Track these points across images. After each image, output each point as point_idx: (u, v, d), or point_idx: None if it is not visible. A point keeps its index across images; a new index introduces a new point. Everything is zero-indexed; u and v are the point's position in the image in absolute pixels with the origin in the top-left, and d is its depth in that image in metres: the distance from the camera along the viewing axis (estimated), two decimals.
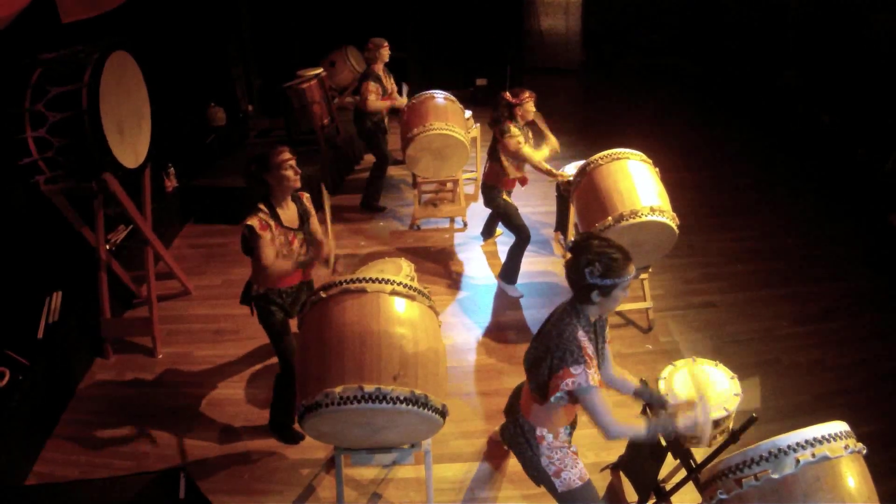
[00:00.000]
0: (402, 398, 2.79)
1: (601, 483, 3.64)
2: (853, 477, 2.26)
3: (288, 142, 7.25)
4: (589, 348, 2.49)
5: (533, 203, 6.62)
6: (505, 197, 5.07)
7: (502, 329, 4.96)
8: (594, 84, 10.31)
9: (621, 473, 3.63)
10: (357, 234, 6.33)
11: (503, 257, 5.57)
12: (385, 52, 6.32)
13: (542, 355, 2.59)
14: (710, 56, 9.41)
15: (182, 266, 5.68)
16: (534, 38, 10.22)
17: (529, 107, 4.80)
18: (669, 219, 4.16)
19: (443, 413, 2.98)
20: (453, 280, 5.60)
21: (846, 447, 2.29)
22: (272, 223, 3.48)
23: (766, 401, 4.12)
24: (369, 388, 2.76)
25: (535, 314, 5.04)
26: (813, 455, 2.24)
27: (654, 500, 3.30)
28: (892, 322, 4.86)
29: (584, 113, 8.84)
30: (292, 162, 3.51)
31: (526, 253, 5.28)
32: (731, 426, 3.17)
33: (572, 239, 4.58)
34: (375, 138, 6.49)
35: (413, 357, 2.90)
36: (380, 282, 3.06)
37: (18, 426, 3.92)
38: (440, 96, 5.93)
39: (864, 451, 2.34)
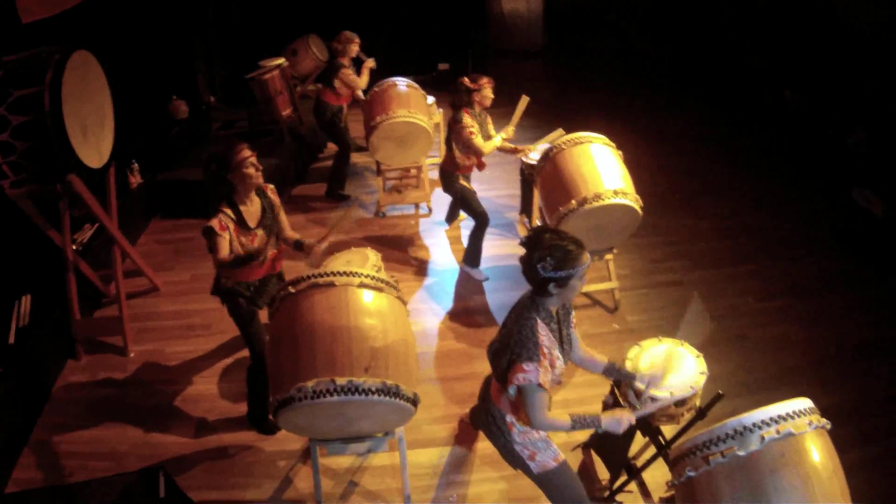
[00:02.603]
0: (374, 389, 2.85)
1: (573, 461, 3.74)
2: (818, 452, 2.31)
3: (250, 133, 7.23)
4: (545, 343, 2.56)
5: (498, 186, 6.69)
6: (462, 182, 5.11)
7: (470, 313, 5.03)
8: (558, 67, 10.33)
9: (593, 452, 3.74)
10: (321, 224, 6.33)
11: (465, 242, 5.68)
12: (354, 48, 6.29)
13: (502, 349, 2.68)
14: (675, 38, 9.48)
15: (150, 262, 5.64)
16: (496, 20, 10.20)
17: (488, 92, 4.83)
18: (633, 201, 4.26)
19: (414, 401, 3.04)
20: (420, 266, 5.65)
21: (810, 423, 2.35)
22: (232, 226, 3.47)
23: (733, 376, 4.25)
24: (341, 380, 2.82)
25: (500, 297, 5.12)
26: (777, 432, 2.30)
27: (624, 478, 3.42)
28: (856, 297, 5.02)
29: (547, 96, 8.85)
30: (253, 159, 3.48)
31: (491, 236, 5.36)
32: (698, 403, 3.26)
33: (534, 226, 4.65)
34: (335, 128, 6.47)
35: (383, 348, 2.96)
36: (347, 275, 3.10)
37: None
38: (402, 83, 5.93)
39: (829, 427, 2.40)
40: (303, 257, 3.75)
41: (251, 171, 3.47)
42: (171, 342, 4.92)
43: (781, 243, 5.63)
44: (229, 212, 3.48)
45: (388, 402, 2.90)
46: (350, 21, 6.51)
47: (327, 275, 3.09)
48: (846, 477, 2.28)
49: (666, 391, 3.07)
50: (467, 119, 4.81)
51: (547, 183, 4.55)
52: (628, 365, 3.24)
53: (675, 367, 3.22)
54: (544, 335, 2.56)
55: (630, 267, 5.38)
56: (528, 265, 2.54)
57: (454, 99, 4.87)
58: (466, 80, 4.82)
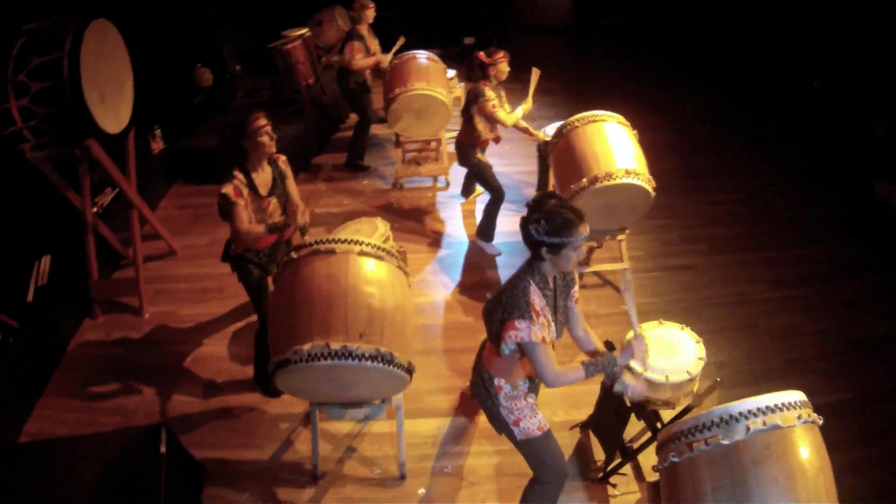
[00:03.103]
0: (367, 355, 2.88)
1: (570, 441, 3.77)
2: (805, 447, 2.25)
3: (273, 102, 7.29)
4: (537, 304, 2.55)
5: (517, 162, 6.65)
6: (479, 155, 5.10)
7: (480, 287, 5.04)
8: (584, 45, 10.16)
9: (590, 432, 3.75)
10: (340, 193, 6.39)
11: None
12: (370, 13, 6.27)
13: (496, 308, 2.68)
14: (701, 19, 9.23)
15: (168, 227, 5.75)
16: None
17: (503, 67, 4.81)
18: (645, 181, 4.20)
19: (409, 370, 3.07)
20: (433, 239, 5.67)
21: (799, 417, 2.28)
22: (245, 191, 3.54)
23: (738, 364, 4.22)
24: (336, 345, 2.86)
25: (512, 273, 5.08)
26: (764, 423, 2.25)
27: (619, 460, 3.43)
28: (869, 290, 4.92)
29: (570, 73, 8.74)
30: (268, 128, 3.55)
31: (506, 212, 5.35)
32: (695, 389, 3.25)
33: None
34: (358, 98, 6.48)
35: (380, 315, 2.99)
36: (349, 242, 3.12)
37: (10, 387, 4.06)
38: (423, 56, 5.90)
39: (820, 422, 2.34)
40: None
41: (265, 139, 3.54)
42: (185, 304, 5.03)
43: (798, 232, 5.52)
44: (242, 177, 3.55)
45: (382, 369, 2.93)
46: None
47: (329, 241, 3.12)
48: (849, 474, 2.23)
49: (661, 374, 3.07)
50: (489, 92, 4.81)
51: (560, 160, 4.51)
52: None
53: (673, 351, 3.21)
54: (536, 297, 2.56)
55: (643, 249, 5.33)
56: (524, 226, 2.56)
57: (470, 73, 4.86)
58: (482, 53, 4.79)
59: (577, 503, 3.46)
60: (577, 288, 2.88)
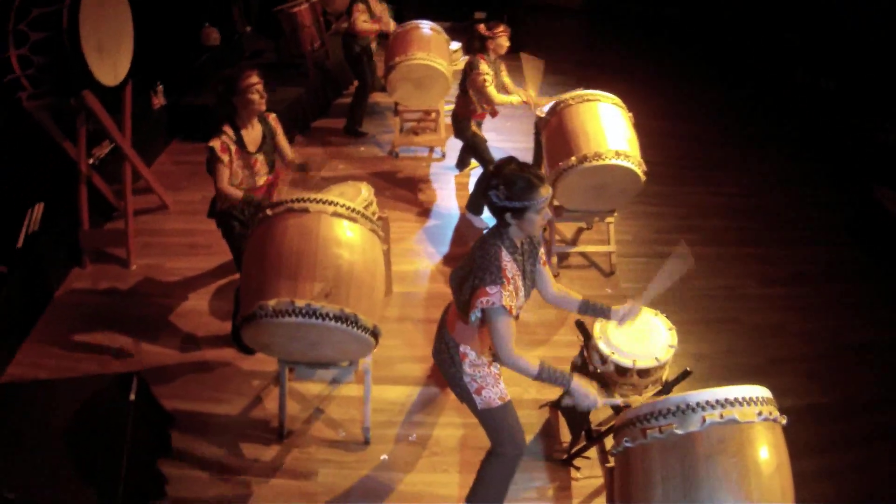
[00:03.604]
0: (331, 315, 2.89)
1: (538, 419, 3.77)
2: (763, 445, 2.17)
3: (277, 64, 7.28)
4: (509, 270, 2.52)
5: (515, 139, 6.61)
6: (474, 128, 5.07)
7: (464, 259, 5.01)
8: (594, 26, 10.00)
9: (559, 413, 3.74)
10: (336, 157, 6.39)
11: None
12: None
13: (466, 275, 2.65)
14: (715, 10, 9.05)
15: (164, 182, 5.78)
16: None
17: (503, 41, 4.77)
18: (635, 164, 4.16)
19: (374, 333, 3.07)
20: (423, 208, 5.66)
21: (759, 413, 2.19)
22: (233, 147, 3.58)
23: (718, 358, 4.18)
24: (300, 303, 2.86)
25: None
26: (721, 416, 2.17)
27: (584, 442, 3.42)
28: (861, 293, 4.86)
29: (579, 54, 8.65)
30: (259, 86, 3.59)
31: None
32: (664, 377, 3.21)
33: None
34: (360, 63, 6.44)
35: (347, 277, 2.99)
36: (323, 202, 3.12)
37: None
38: (426, 26, 5.87)
39: (783, 421, 2.26)
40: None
41: (255, 97, 3.58)
42: (172, 258, 5.06)
43: (792, 229, 5.45)
44: (231, 133, 3.58)
45: (345, 329, 2.93)
46: None
47: (303, 200, 3.12)
48: (824, 480, 2.13)
49: (629, 358, 3.04)
50: (483, 66, 4.76)
51: (551, 137, 4.48)
52: (597, 327, 3.22)
53: (644, 336, 3.18)
54: (508, 262, 2.53)
55: (634, 234, 5.29)
56: (485, 193, 2.53)
57: (469, 45, 4.81)
58: (482, 26, 4.74)
59: (538, 483, 3.46)
60: (542, 250, 2.85)
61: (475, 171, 6.05)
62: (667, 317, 3.25)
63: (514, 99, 4.80)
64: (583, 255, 5.02)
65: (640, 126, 6.54)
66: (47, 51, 3.99)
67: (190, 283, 4.81)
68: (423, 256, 5.04)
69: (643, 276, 4.83)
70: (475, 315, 2.56)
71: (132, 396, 3.34)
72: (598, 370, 3.15)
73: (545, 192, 2.46)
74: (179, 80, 6.76)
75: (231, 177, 3.64)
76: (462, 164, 6.06)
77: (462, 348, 2.79)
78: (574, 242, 5.07)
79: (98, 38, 4.30)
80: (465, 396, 2.89)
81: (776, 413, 2.25)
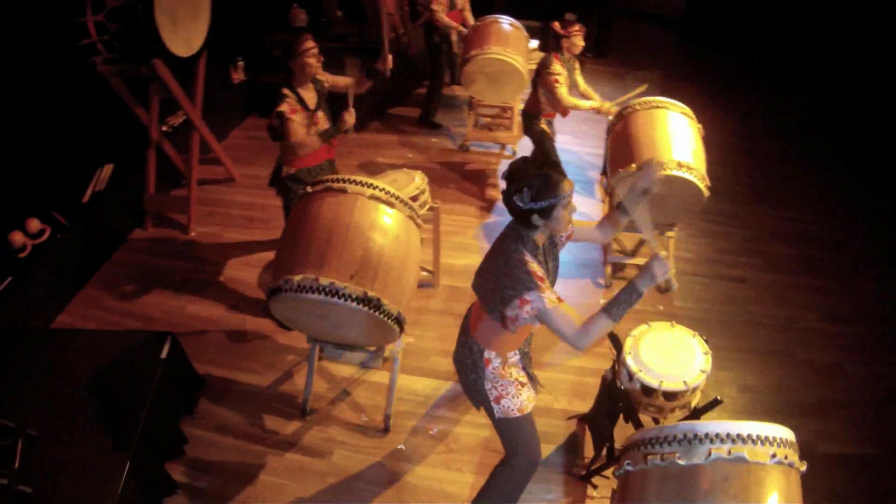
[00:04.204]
0: (353, 296, 2.86)
1: (564, 431, 3.64)
2: (775, 491, 2.00)
3: (359, 49, 7.36)
4: (539, 271, 2.42)
5: (590, 143, 6.41)
6: (543, 126, 4.94)
7: None
8: (689, 37, 9.53)
9: (587, 426, 3.59)
10: (406, 147, 6.39)
11: None
12: None
13: (492, 285, 2.53)
14: (816, 28, 8.44)
15: (234, 155, 5.94)
16: None
17: (577, 40, 4.62)
18: (698, 178, 3.94)
19: (398, 320, 3.02)
20: (485, 204, 5.56)
21: (773, 455, 2.01)
22: (298, 107, 3.72)
23: (762, 392, 3.90)
24: (324, 281, 2.85)
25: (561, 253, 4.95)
26: (729, 452, 2.01)
27: (604, 462, 3.27)
28: None
29: (668, 65, 8.29)
30: (315, 50, 3.74)
31: None
32: (693, 403, 3.02)
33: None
34: (438, 54, 6.40)
35: (376, 261, 2.95)
36: (361, 184, 3.10)
37: (51, 279, 4.34)
38: (506, 21, 5.77)
39: (802, 469, 2.07)
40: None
41: (312, 60, 3.74)
42: (230, 229, 5.20)
43: (867, 266, 4.99)
44: (292, 95, 3.68)
45: (367, 313, 2.90)
46: None
47: (342, 181, 3.11)
48: None
49: (656, 379, 2.87)
50: (556, 66, 4.64)
51: (615, 142, 4.32)
52: (629, 342, 3.05)
53: (678, 357, 2.99)
54: (534, 263, 2.43)
55: (697, 252, 5.02)
56: (507, 198, 2.42)
57: (545, 42, 4.71)
58: (557, 24, 4.61)
59: (553, 495, 3.33)
60: (564, 235, 2.72)
61: None
62: (706, 340, 3.04)
63: (584, 105, 4.62)
64: (639, 268, 4.81)
65: (717, 142, 6.29)
66: (122, 19, 4.17)
67: (243, 254, 4.92)
68: (476, 252, 4.95)
69: (699, 298, 4.59)
70: (522, 321, 2.44)
71: (163, 354, 3.44)
72: (624, 387, 3.00)
73: (568, 185, 2.36)
74: (261, 58, 6.91)
75: (293, 132, 3.73)
76: None
77: (486, 353, 2.71)
78: (633, 254, 4.87)
79: (173, 10, 4.45)
80: (483, 402, 2.80)
81: (794, 458, 2.06)
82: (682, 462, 2.05)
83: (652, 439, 2.18)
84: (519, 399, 2.74)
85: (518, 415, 2.74)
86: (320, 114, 3.87)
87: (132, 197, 5.09)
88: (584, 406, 3.67)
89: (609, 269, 4.68)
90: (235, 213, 5.40)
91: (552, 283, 2.63)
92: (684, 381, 2.85)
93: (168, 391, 3.43)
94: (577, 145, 6.37)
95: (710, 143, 6.25)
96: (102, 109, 5.00)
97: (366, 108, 6.89)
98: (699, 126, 4.27)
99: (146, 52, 4.39)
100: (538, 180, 2.33)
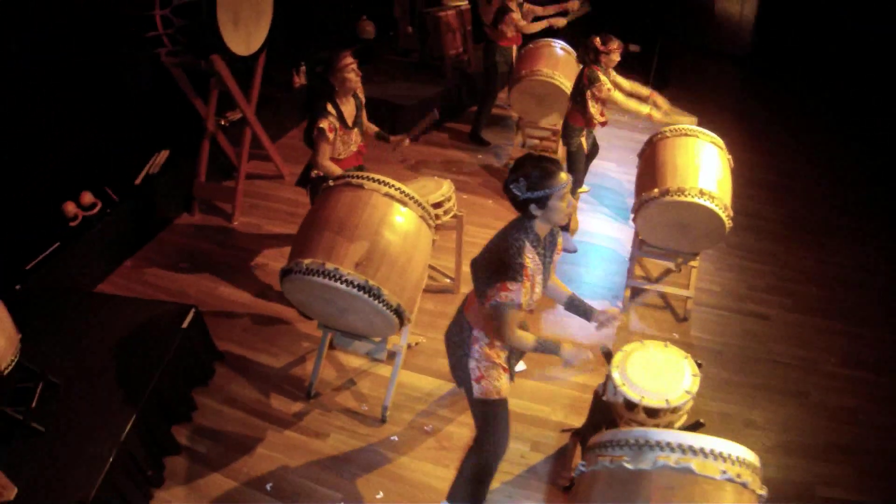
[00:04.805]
0: (355, 283, 3.02)
1: (556, 443, 3.67)
2: None
3: (419, 64, 7.62)
4: (531, 267, 2.56)
5: (631, 171, 6.33)
6: (582, 139, 5.01)
7: None
8: (752, 76, 9.30)
9: (579, 442, 3.62)
10: (451, 161, 6.56)
11: (582, 215, 5.62)
12: None
13: (488, 265, 2.65)
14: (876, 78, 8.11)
15: (287, 154, 6.24)
16: (699, 14, 9.34)
17: (615, 56, 4.70)
18: (719, 208, 3.94)
19: (398, 312, 3.16)
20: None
21: (724, 472, 1.97)
22: (338, 125, 3.87)
23: (769, 429, 3.82)
24: (330, 266, 3.03)
25: (572, 272, 5.00)
26: (676, 462, 1.98)
27: None
28: None
29: (732, 104, 8.20)
30: (354, 66, 3.85)
31: (602, 214, 5.44)
32: (676, 423, 3.02)
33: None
34: (494, 72, 6.50)
35: (382, 253, 3.12)
36: (379, 182, 3.28)
37: (96, 249, 4.69)
38: (558, 45, 5.92)
39: (761, 493, 2.02)
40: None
41: (351, 76, 3.85)
42: (272, 222, 5.48)
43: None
44: (334, 112, 3.85)
45: (368, 301, 3.06)
46: None
47: (362, 178, 3.30)
48: None
49: (638, 393, 2.91)
50: (604, 77, 4.71)
51: (642, 167, 4.37)
52: (619, 356, 3.09)
53: (666, 376, 2.98)
54: (530, 258, 2.57)
55: (724, 286, 4.96)
56: (506, 189, 2.55)
57: (584, 56, 4.80)
58: (597, 40, 4.70)
59: (533, 503, 3.38)
60: (561, 238, 2.86)
61: (584, 195, 5.96)
62: (698, 364, 3.05)
63: (644, 109, 4.67)
64: (661, 295, 4.81)
65: (764, 180, 6.23)
66: (187, 14, 4.49)
67: (279, 246, 5.18)
68: None
69: (717, 331, 4.52)
70: (491, 304, 2.58)
71: (184, 325, 3.68)
72: (609, 400, 3.04)
73: (564, 177, 2.47)
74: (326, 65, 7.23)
75: (332, 152, 3.91)
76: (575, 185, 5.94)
77: (476, 332, 2.81)
78: (656, 281, 4.86)
79: (236, 11, 4.78)
80: (464, 380, 2.88)
81: (749, 479, 2.01)
82: (629, 466, 2.05)
83: (607, 442, 2.20)
84: (499, 382, 2.83)
85: (496, 397, 2.83)
86: (355, 131, 4.00)
87: (184, 183, 5.43)
88: (580, 421, 3.69)
89: (628, 293, 4.68)
90: (278, 207, 5.67)
91: (545, 279, 2.75)
92: (666, 400, 2.86)
93: (184, 359, 3.67)
94: (620, 173, 6.38)
95: (756, 180, 6.26)
96: (165, 99, 5.39)
97: (417, 118, 7.12)
98: (729, 157, 4.28)
99: (206, 48, 4.71)
100: (535, 171, 2.45)
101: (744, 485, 1.99)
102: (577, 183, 5.22)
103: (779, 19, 8.22)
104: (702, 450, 2.00)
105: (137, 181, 5.08)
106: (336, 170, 3.87)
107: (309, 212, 3.46)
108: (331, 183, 3.42)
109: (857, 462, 3.67)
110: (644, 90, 4.86)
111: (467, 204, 5.81)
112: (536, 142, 6.87)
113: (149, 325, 3.70)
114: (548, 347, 2.68)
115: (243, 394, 3.87)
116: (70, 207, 4.55)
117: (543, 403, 3.91)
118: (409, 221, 3.29)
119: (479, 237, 5.22)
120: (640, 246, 4.52)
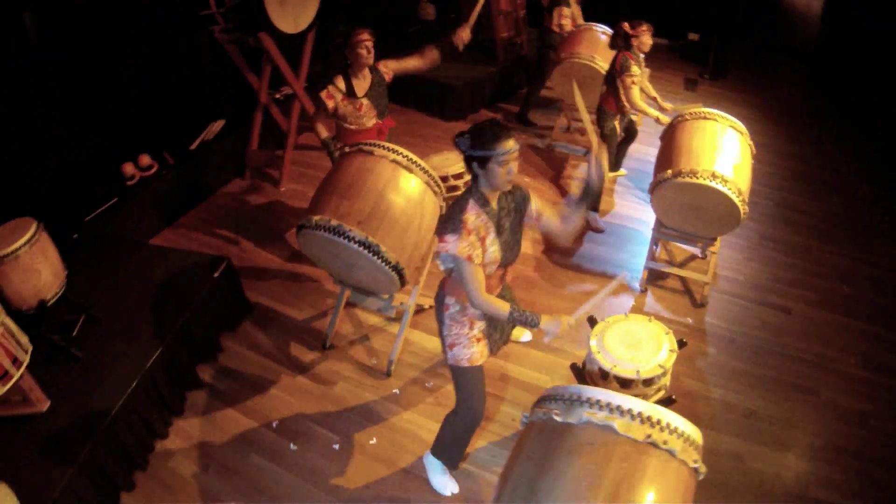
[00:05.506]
0: (356, 239, 3.28)
1: None
2: (643, 471, 1.97)
3: (471, 45, 7.75)
4: (471, 222, 2.60)
5: None
6: (615, 124, 5.08)
7: (565, 253, 5.07)
8: (816, 71, 8.93)
9: None
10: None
11: (616, 197, 5.72)
12: None
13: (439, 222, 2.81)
14: None
15: (333, 127, 6.53)
16: (766, 4, 8.97)
17: (646, 39, 4.74)
18: (732, 192, 3.94)
19: (396, 269, 3.38)
20: (551, 199, 5.75)
21: (648, 436, 1.99)
22: (339, 96, 4.11)
23: (771, 423, 3.77)
24: (334, 222, 3.31)
25: (598, 251, 5.09)
26: (601, 420, 2.04)
27: None
28: None
29: (791, 102, 7.95)
30: (368, 43, 4.08)
31: (632, 197, 5.52)
32: (651, 400, 3.04)
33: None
34: (546, 57, 6.63)
35: (383, 213, 3.36)
36: (388, 150, 3.52)
37: (150, 208, 5.17)
38: (601, 30, 5.95)
39: (693, 467, 2.02)
40: None
41: (363, 52, 4.08)
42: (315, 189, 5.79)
43: None
44: (341, 84, 4.12)
45: (368, 256, 3.30)
46: None
47: (373, 145, 3.55)
48: None
49: (610, 363, 2.98)
50: (635, 68, 4.78)
51: (661, 149, 4.42)
52: (600, 326, 3.20)
53: (642, 348, 3.06)
54: (472, 214, 2.62)
55: (749, 276, 4.92)
56: (454, 140, 2.64)
57: (615, 41, 4.87)
58: (626, 24, 4.75)
59: None
60: (534, 205, 2.87)
61: (621, 178, 6.01)
62: (681, 342, 3.11)
63: (651, 112, 4.74)
64: (682, 280, 4.84)
65: (810, 175, 6.09)
66: None
67: None
68: (527, 241, 5.17)
69: (734, 319, 4.49)
70: (442, 263, 2.73)
71: (216, 274, 4.04)
72: (587, 369, 3.17)
73: (508, 144, 2.51)
74: (385, 46, 7.50)
75: (341, 116, 4.20)
76: (613, 166, 5.99)
77: (447, 299, 2.91)
78: (680, 266, 4.89)
79: None
80: (442, 346, 3.03)
81: (678, 448, 2.01)
82: (558, 419, 2.13)
83: (548, 396, 2.30)
84: (469, 350, 2.89)
85: (466, 365, 2.90)
86: (365, 102, 4.18)
87: (236, 150, 5.84)
88: None
89: (646, 275, 4.73)
90: (323, 175, 5.98)
91: (513, 244, 2.82)
92: (637, 371, 2.95)
93: (214, 306, 4.04)
94: (652, 153, 6.37)
95: (801, 174, 6.13)
96: (222, 73, 5.80)
97: (476, 96, 7.32)
98: (751, 144, 4.27)
99: (254, 25, 5.05)
100: (481, 131, 2.54)
101: (671, 452, 2.01)
102: (612, 165, 5.28)
103: (846, 14, 7.87)
104: (630, 411, 2.05)
105: (192, 146, 5.51)
106: (321, 132, 4.21)
107: (326, 174, 3.73)
108: (346, 149, 3.68)
109: (858, 467, 3.56)
110: (652, 92, 4.96)
111: None
112: (580, 124, 6.92)
113: (184, 273, 4.08)
114: (524, 319, 2.68)
115: (266, 341, 4.22)
116: (129, 168, 5.02)
117: (543, 372, 4.04)
118: (414, 187, 3.51)
119: None
120: (659, 228, 4.56)
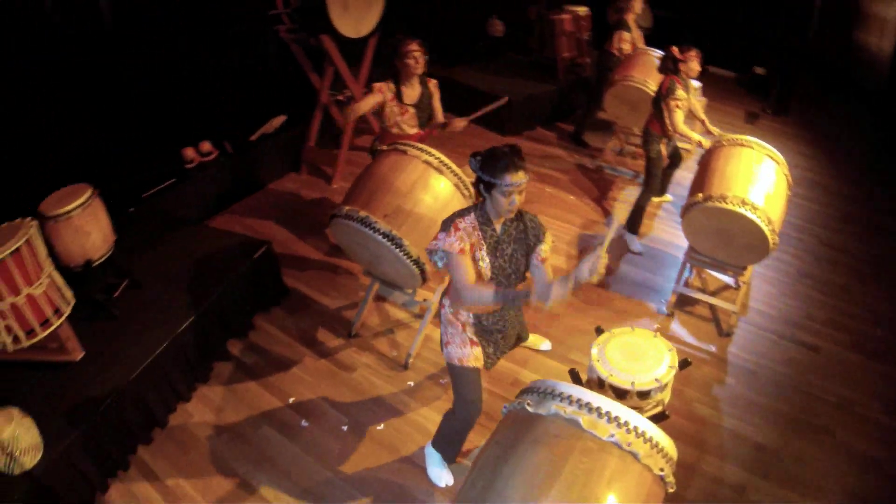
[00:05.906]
0: (380, 231, 3.48)
1: None
2: (602, 468, 2.03)
3: (533, 62, 7.96)
4: (462, 225, 2.68)
5: None
6: (661, 147, 5.11)
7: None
8: (883, 112, 8.58)
9: None
10: (548, 157, 6.87)
11: (658, 222, 5.72)
12: (637, 5, 6.48)
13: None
14: None
15: None
16: (836, 42, 8.74)
17: (694, 64, 4.76)
18: (762, 220, 3.94)
19: (418, 264, 3.56)
20: (592, 220, 5.83)
21: (611, 435, 2.07)
22: (389, 95, 4.32)
23: (780, 460, 3.71)
24: (362, 213, 3.51)
25: (638, 274, 5.10)
26: (568, 414, 2.13)
27: None
28: None
29: (850, 136, 7.75)
30: (416, 53, 4.26)
31: (671, 220, 5.51)
32: (644, 410, 3.10)
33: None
34: (603, 79, 6.70)
35: (410, 210, 3.54)
36: (422, 151, 3.72)
37: (205, 192, 5.50)
38: (656, 55, 5.98)
39: (661, 476, 2.08)
40: None
41: (411, 62, 4.28)
42: None
43: None
44: (392, 86, 4.34)
45: (391, 248, 3.49)
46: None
47: (408, 146, 3.75)
48: None
49: (607, 371, 3.06)
50: (681, 92, 4.82)
51: (697, 173, 4.45)
52: (604, 336, 3.27)
53: (642, 361, 3.12)
54: (468, 224, 2.72)
55: (782, 311, 4.84)
56: (470, 158, 2.73)
57: (664, 65, 4.92)
58: (675, 49, 4.80)
59: None
60: (545, 247, 2.85)
61: (665, 205, 6.02)
62: (685, 361, 3.16)
63: (694, 136, 4.77)
64: (711, 308, 4.82)
65: (859, 216, 5.89)
66: None
67: None
68: (562, 254, 5.27)
69: (759, 352, 4.41)
70: (437, 260, 2.82)
71: (255, 256, 4.30)
72: (587, 377, 3.25)
73: (515, 177, 2.55)
74: (450, 57, 7.77)
75: (386, 116, 4.40)
76: (660, 190, 6.00)
77: (444, 299, 3.07)
78: (712, 294, 4.86)
79: None
80: (440, 343, 3.14)
81: (643, 452, 2.08)
82: (530, 409, 2.25)
83: (528, 388, 2.44)
84: (461, 350, 2.96)
85: (458, 364, 2.97)
86: (411, 110, 4.35)
87: (294, 145, 6.15)
88: None
89: (674, 298, 4.74)
90: None
91: (509, 272, 2.82)
92: (632, 382, 3.01)
93: (248, 287, 4.30)
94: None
95: (851, 216, 5.98)
96: (287, 71, 6.14)
97: (535, 113, 7.47)
98: (787, 174, 4.25)
99: (316, 27, 5.34)
100: (493, 157, 2.60)
101: (634, 455, 2.09)
102: (655, 190, 5.30)
103: None
104: (598, 409, 2.16)
105: (253, 138, 5.85)
106: (353, 115, 4.40)
107: (363, 169, 3.94)
108: (384, 147, 3.90)
109: None
110: (701, 115, 5.00)
111: (549, 197, 6.12)
112: (633, 148, 6.95)
113: (226, 252, 4.37)
114: (510, 295, 2.69)
115: (296, 324, 4.45)
116: (189, 152, 5.38)
117: (540, 377, 4.11)
118: (443, 188, 3.68)
119: (551, 227, 5.48)
120: (690, 253, 4.57)
